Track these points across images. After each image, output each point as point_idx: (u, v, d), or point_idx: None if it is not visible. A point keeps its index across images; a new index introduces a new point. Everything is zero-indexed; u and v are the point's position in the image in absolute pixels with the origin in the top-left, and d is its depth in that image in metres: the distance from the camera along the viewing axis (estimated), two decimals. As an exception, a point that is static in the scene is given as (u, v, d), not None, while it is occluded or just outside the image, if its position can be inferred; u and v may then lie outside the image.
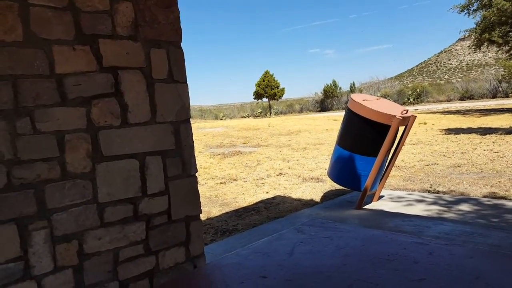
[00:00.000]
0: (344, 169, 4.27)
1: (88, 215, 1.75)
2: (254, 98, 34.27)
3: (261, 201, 5.10)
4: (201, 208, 2.25)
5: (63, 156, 1.68)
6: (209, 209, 4.79)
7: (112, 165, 1.83)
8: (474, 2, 16.56)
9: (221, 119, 34.95)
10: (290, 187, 5.81)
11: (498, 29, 9.24)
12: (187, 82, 2.13)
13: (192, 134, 2.17)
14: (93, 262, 1.76)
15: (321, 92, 35.25)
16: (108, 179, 1.81)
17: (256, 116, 35.20)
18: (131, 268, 1.89)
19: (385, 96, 30.29)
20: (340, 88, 34.67)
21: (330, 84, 34.33)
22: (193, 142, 2.18)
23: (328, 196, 5.09)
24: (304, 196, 5.19)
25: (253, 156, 9.20)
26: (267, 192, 5.60)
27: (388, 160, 4.35)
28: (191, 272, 2.11)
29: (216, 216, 4.52)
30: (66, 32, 1.69)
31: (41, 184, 1.62)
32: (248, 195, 5.52)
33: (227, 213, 4.63)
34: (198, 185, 7.16)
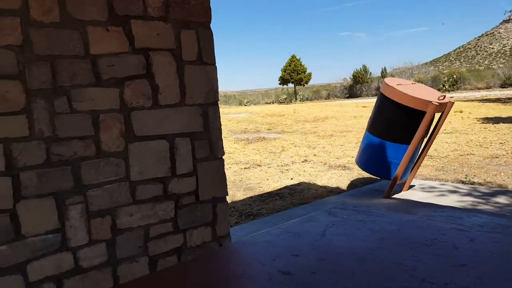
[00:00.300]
0: (373, 157, 4.24)
1: (121, 192, 1.86)
2: (280, 84, 34.10)
3: (286, 187, 5.17)
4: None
5: (98, 135, 1.78)
6: (234, 193, 4.90)
7: (144, 145, 1.92)
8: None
9: (246, 105, 35.03)
10: (315, 174, 5.83)
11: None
12: (216, 65, 2.18)
13: (219, 117, 2.24)
14: (125, 237, 1.87)
15: (350, 78, 34.64)
16: (140, 159, 1.91)
17: (281, 102, 35.06)
18: (161, 245, 1.99)
19: (419, 82, 29.45)
20: (371, 73, 33.97)
21: (360, 69, 33.65)
22: (220, 125, 2.25)
23: (355, 184, 5.08)
24: (330, 184, 5.21)
25: (277, 142, 9.24)
26: (292, 179, 5.65)
27: (421, 149, 4.28)
28: (218, 250, 2.20)
29: (241, 200, 4.63)
30: (100, 13, 1.77)
31: (77, 161, 1.73)
32: (272, 181, 5.60)
33: (251, 197, 4.73)
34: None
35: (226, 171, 6.18)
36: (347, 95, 34.51)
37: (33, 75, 1.62)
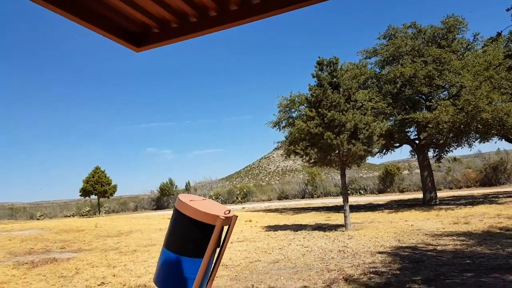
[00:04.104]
0: (171, 274, 3.98)
1: None
2: (81, 195, 30.60)
3: (73, 321, 4.17)
4: None
5: None
6: None
7: None
8: (282, 120, 20.38)
9: (38, 219, 29.32)
10: (112, 299, 5.01)
11: (300, 143, 11.39)
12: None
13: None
14: None
15: (158, 190, 34.52)
16: None
17: (83, 215, 31.05)
18: None
19: (217, 195, 31.93)
20: (177, 186, 34.85)
21: (167, 182, 34.17)
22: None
23: (154, 305, 4.58)
24: (127, 308, 4.52)
25: (71, 263, 7.78)
26: (83, 308, 4.66)
27: (214, 260, 4.34)
28: None
29: None
30: None
31: None
32: (56, 315, 4.45)
33: None
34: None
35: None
36: (155, 207, 33.81)
37: None
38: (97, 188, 29.38)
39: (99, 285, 5.84)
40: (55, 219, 28.40)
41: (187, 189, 35.17)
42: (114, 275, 6.49)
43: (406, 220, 11.53)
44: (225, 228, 4.30)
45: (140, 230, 13.40)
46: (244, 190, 34.29)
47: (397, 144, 18.84)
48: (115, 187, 30.81)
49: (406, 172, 33.01)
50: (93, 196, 31.06)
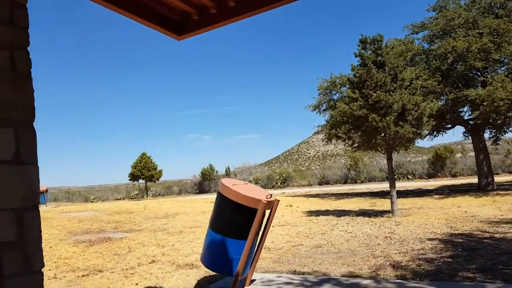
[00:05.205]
0: (216, 254, 4.17)
1: None
2: (130, 180, 32.37)
3: (128, 295, 4.51)
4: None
5: None
6: (62, 311, 3.97)
7: None
8: (323, 103, 19.98)
9: (92, 202, 31.52)
10: (162, 276, 5.33)
11: (342, 126, 11.14)
12: (38, 164, 1.88)
13: (40, 222, 1.86)
14: None
15: (199, 175, 35.59)
16: None
17: (132, 198, 32.92)
18: None
19: (256, 180, 32.31)
20: (217, 171, 35.67)
21: (207, 167, 35.09)
22: (40, 231, 1.86)
23: (201, 284, 4.82)
24: (177, 286, 4.80)
25: (124, 242, 8.33)
26: (137, 284, 5.02)
27: (257, 243, 4.45)
28: None
29: (70, 319, 3.76)
30: None
31: None
32: (113, 289, 4.84)
33: (84, 313, 3.91)
34: (55, 279, 6.06)
35: (58, 281, 5.10)
36: (197, 191, 34.98)
37: None
38: (144, 173, 30.89)
39: (150, 263, 6.23)
40: (107, 201, 30.39)
41: (227, 174, 35.91)
42: (163, 254, 6.88)
43: (459, 206, 10.99)
44: (267, 212, 4.39)
45: (185, 213, 13.98)
46: (284, 175, 34.35)
47: (449, 126, 17.79)
48: (160, 172, 32.20)
49: (459, 155, 31.23)
50: (140, 181, 32.74)
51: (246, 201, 3.99)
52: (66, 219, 12.35)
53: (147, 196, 32.90)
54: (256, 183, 32.19)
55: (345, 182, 31.30)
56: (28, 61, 1.92)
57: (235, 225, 4.17)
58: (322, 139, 21.33)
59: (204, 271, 5.37)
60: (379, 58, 10.40)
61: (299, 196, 20.59)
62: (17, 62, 1.86)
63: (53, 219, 12.36)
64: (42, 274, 1.88)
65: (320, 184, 32.35)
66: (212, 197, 23.52)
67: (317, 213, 11.94)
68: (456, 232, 7.20)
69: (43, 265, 1.88)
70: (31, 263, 1.79)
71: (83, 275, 5.63)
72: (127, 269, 5.88)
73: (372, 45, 10.60)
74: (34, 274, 1.80)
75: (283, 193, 23.75)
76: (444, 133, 18.46)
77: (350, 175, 31.51)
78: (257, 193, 4.29)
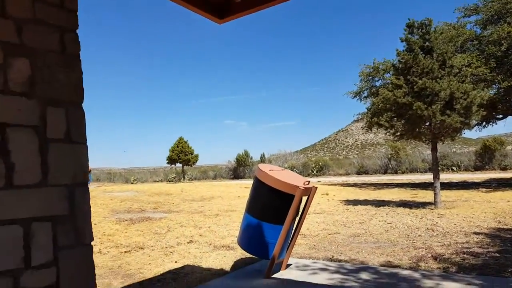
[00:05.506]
0: (253, 237, 4.21)
1: None
2: (167, 163, 33.46)
3: (169, 272, 4.70)
4: (101, 280, 1.95)
5: None
6: (110, 281, 4.21)
7: (-15, 232, 1.51)
8: (364, 90, 19.35)
9: (132, 183, 32.99)
10: (200, 256, 5.50)
11: (384, 114, 10.73)
12: (87, 144, 1.97)
13: (89, 198, 1.95)
14: None
15: (234, 161, 36.02)
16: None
17: (169, 181, 34.07)
18: None
19: (291, 167, 32.18)
20: (252, 157, 35.92)
21: (243, 154, 35.40)
22: (90, 207, 1.96)
23: (238, 265, 4.91)
24: (214, 265, 4.93)
25: (163, 222, 8.66)
26: (176, 262, 5.21)
27: (294, 228, 4.44)
28: None
29: (115, 291, 3.98)
30: None
31: None
32: (155, 265, 5.05)
33: (129, 285, 4.12)
34: (100, 254, 6.39)
35: (103, 255, 5.39)
36: (232, 176, 35.51)
37: None
38: (181, 157, 31.80)
39: (188, 243, 6.44)
40: (146, 183, 31.69)
41: (262, 160, 36.04)
42: (200, 235, 7.08)
43: (509, 201, 10.33)
44: (304, 198, 4.35)
45: (221, 197, 14.25)
46: (320, 163, 33.93)
47: (500, 116, 16.64)
48: (196, 156, 32.99)
49: (510, 147, 29.24)
50: (178, 164, 33.75)
51: (283, 187, 3.98)
52: (108, 198, 13.02)
53: (183, 180, 33.90)
54: (291, 171, 32.13)
55: (385, 172, 30.40)
56: (77, 43, 1.99)
57: (272, 210, 4.18)
58: (362, 127, 20.72)
59: (240, 253, 5.46)
60: (427, 43, 9.85)
61: (335, 185, 20.29)
62: (67, 44, 1.94)
63: (96, 197, 13.08)
64: (91, 247, 1.99)
65: (358, 173, 31.66)
66: (247, 183, 23.80)
67: (355, 202, 11.72)
68: (505, 227, 6.78)
69: (92, 239, 1.98)
70: (82, 236, 1.89)
71: (125, 251, 5.93)
72: (166, 248, 6.11)
73: (420, 29, 10.04)
74: (85, 247, 1.91)
75: (318, 181, 23.51)
76: (494, 124, 17.33)
77: (390, 165, 30.53)
78: (294, 179, 4.26)
